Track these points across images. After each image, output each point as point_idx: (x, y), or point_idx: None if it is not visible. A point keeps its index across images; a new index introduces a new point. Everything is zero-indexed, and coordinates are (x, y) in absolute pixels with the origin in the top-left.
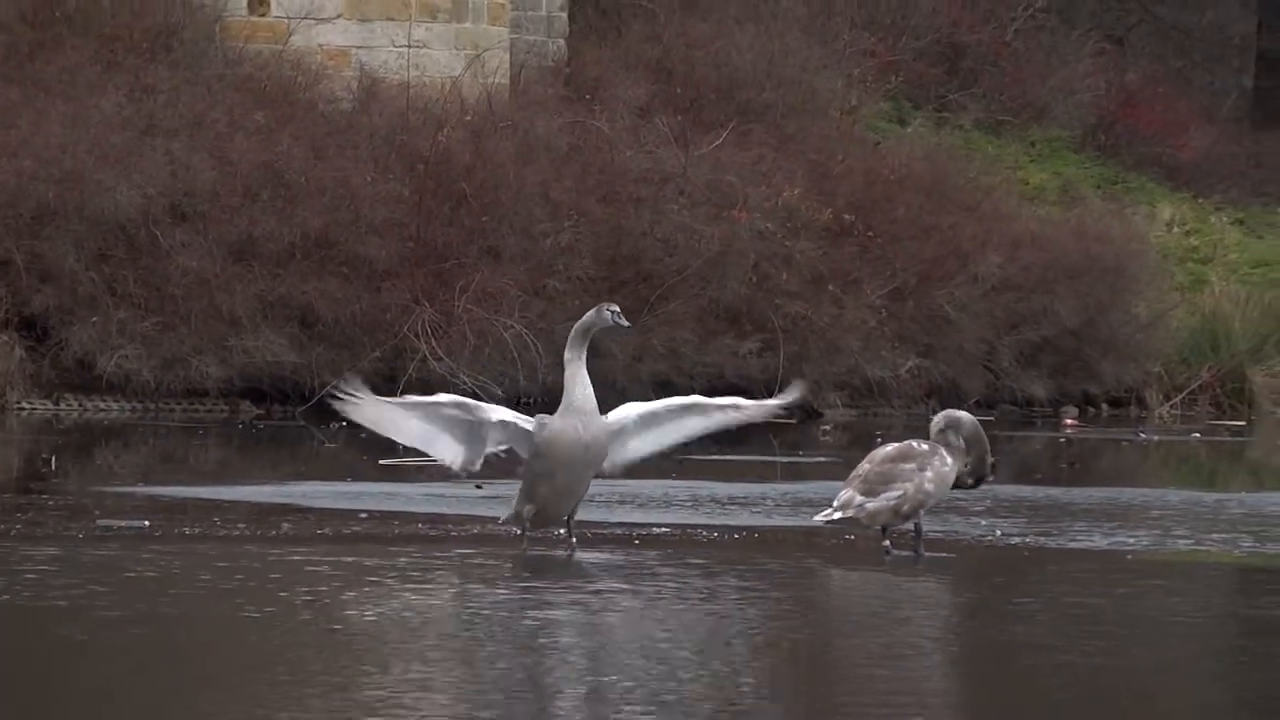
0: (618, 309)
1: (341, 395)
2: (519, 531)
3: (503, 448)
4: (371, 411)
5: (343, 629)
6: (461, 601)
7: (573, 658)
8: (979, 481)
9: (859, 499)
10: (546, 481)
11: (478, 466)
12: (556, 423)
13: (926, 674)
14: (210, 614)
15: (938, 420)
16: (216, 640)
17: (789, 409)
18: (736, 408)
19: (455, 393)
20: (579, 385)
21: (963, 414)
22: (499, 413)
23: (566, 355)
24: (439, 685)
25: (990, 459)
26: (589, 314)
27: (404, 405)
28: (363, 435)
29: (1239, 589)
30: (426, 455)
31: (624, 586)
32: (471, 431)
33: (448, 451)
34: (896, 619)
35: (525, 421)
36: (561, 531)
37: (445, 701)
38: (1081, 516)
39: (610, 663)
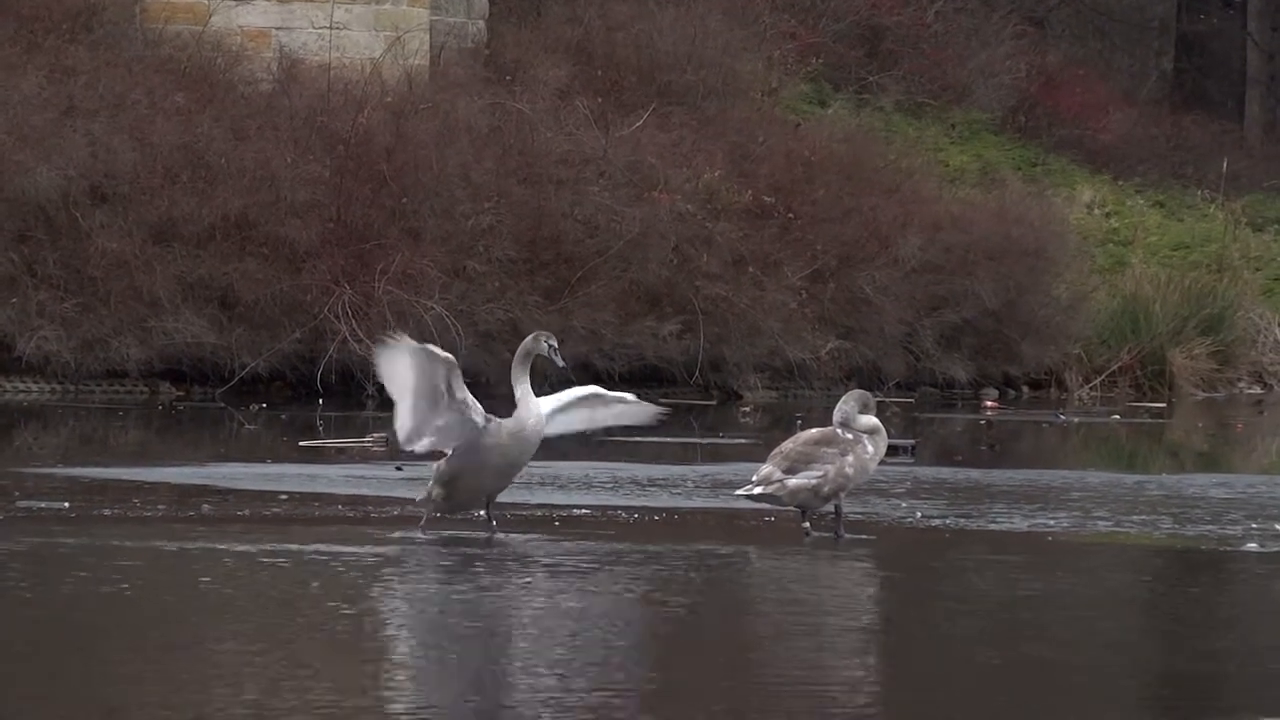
0: (555, 342)
1: (387, 339)
2: (425, 515)
3: (430, 439)
4: (397, 353)
5: (257, 609)
6: (372, 584)
7: (476, 640)
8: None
9: (779, 475)
10: (475, 475)
11: (419, 446)
12: (511, 425)
13: (837, 656)
14: (120, 596)
15: (845, 409)
16: (124, 622)
17: (656, 412)
18: (623, 401)
19: (374, 373)
20: (531, 405)
21: (853, 392)
22: (464, 391)
23: (513, 382)
24: (337, 669)
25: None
26: (527, 341)
27: (426, 352)
28: (283, 417)
29: (1159, 570)
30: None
31: (541, 568)
32: (433, 400)
33: (405, 417)
34: (813, 600)
35: (475, 412)
36: (481, 513)
37: (344, 682)
38: (1002, 498)
39: (511, 649)
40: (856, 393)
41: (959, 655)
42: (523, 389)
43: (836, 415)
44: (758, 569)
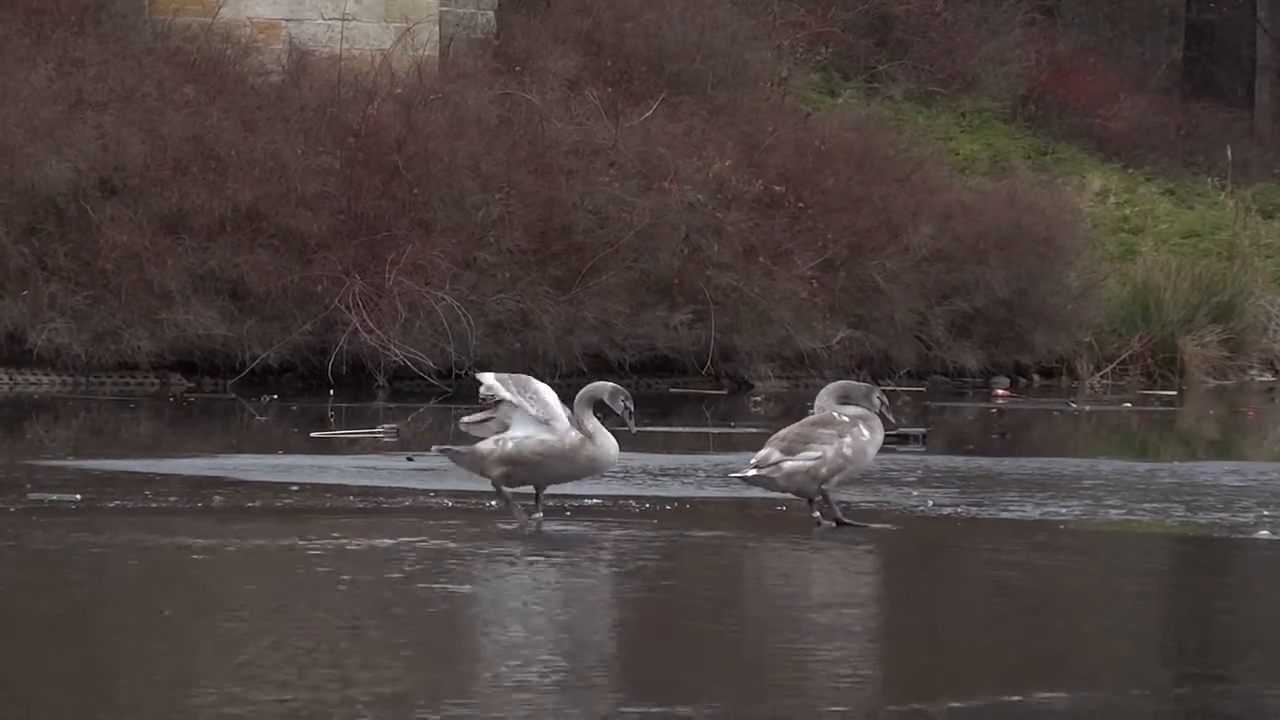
0: (632, 406)
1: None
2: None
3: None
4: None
5: (274, 602)
6: (387, 572)
7: (484, 630)
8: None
9: (776, 456)
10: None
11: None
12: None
13: (839, 648)
14: (138, 590)
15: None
16: (139, 617)
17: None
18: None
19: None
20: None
21: (837, 383)
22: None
23: (580, 419)
24: (355, 659)
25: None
26: (604, 388)
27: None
28: (294, 408)
29: (1171, 559)
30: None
31: (556, 558)
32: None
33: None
34: (817, 592)
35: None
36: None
37: (361, 673)
38: (1013, 487)
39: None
40: (836, 385)
41: (971, 643)
42: (592, 425)
43: (815, 407)
44: (767, 559)
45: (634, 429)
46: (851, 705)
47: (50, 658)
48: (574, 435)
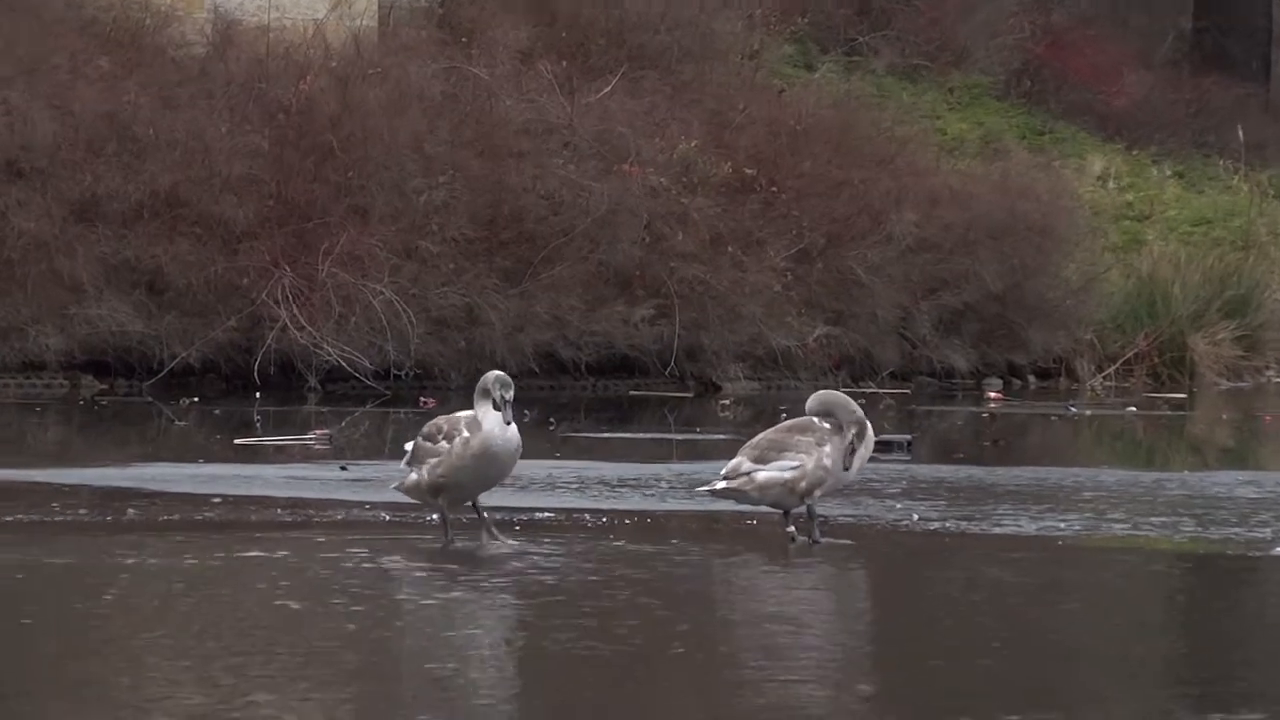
0: (509, 396)
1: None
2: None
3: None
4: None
5: (186, 623)
6: (318, 596)
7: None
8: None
9: (748, 465)
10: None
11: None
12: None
13: (816, 679)
14: (43, 607)
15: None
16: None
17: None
18: None
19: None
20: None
21: (819, 394)
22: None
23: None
24: (279, 688)
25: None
26: (488, 376)
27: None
28: (216, 413)
29: (1181, 577)
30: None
31: (497, 580)
32: None
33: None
34: (792, 615)
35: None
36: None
37: (291, 702)
38: (1007, 498)
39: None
40: (827, 396)
41: (960, 672)
42: (480, 411)
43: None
44: (733, 579)
45: (508, 420)
46: None
47: None
48: (457, 440)
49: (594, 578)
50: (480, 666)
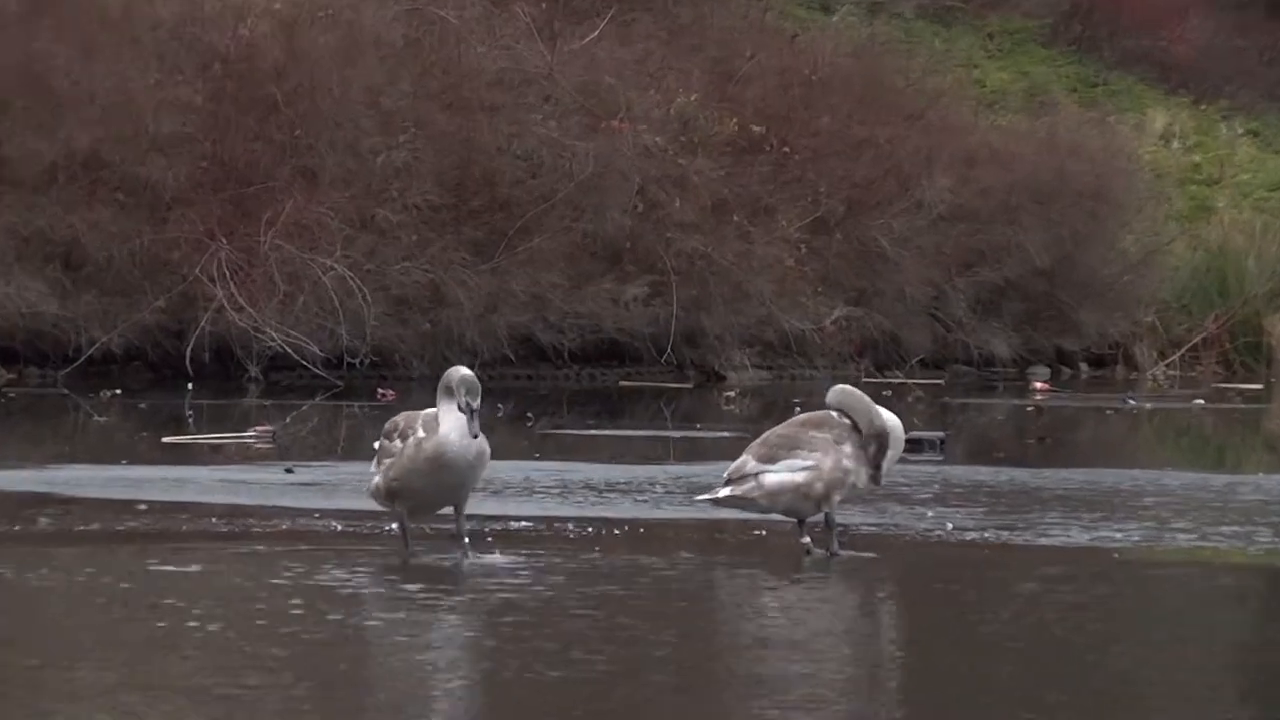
0: (475, 404)
1: None
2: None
3: None
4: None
5: (116, 654)
6: (251, 618)
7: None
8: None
9: (753, 465)
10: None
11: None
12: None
13: (811, 712)
14: None
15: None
16: None
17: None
18: None
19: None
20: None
21: (841, 388)
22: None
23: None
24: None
25: (876, 432)
26: (453, 374)
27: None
28: (142, 406)
29: (1257, 596)
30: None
31: (459, 596)
32: None
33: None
34: (793, 639)
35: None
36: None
37: None
38: (1055, 505)
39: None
40: (845, 391)
41: (999, 707)
42: (441, 409)
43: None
44: (731, 598)
45: (477, 433)
46: None
47: None
48: (411, 440)
49: (568, 595)
50: (422, 701)
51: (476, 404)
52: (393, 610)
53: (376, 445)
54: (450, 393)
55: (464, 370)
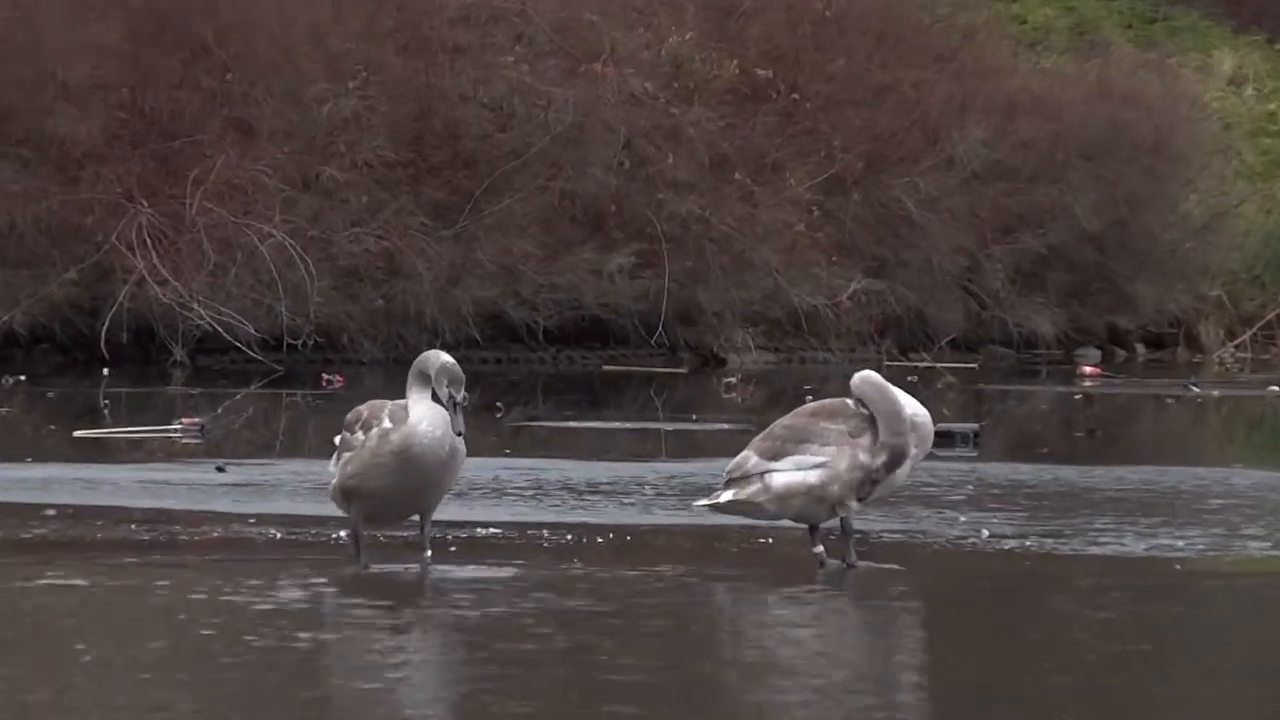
0: (460, 398)
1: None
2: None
3: None
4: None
5: (15, 687)
6: (178, 636)
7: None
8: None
9: (755, 461)
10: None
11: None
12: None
13: None
14: None
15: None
16: None
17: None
18: None
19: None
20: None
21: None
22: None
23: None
24: None
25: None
26: (432, 360)
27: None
28: (50, 395)
29: None
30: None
31: (410, 611)
32: None
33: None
34: (794, 665)
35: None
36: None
37: None
38: (1107, 508)
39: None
40: (864, 376)
41: None
42: (413, 398)
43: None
44: (725, 616)
45: (462, 430)
46: None
47: None
48: (374, 431)
49: (540, 614)
50: None
51: (460, 396)
52: (337, 630)
53: (337, 440)
54: (424, 380)
55: (444, 356)
